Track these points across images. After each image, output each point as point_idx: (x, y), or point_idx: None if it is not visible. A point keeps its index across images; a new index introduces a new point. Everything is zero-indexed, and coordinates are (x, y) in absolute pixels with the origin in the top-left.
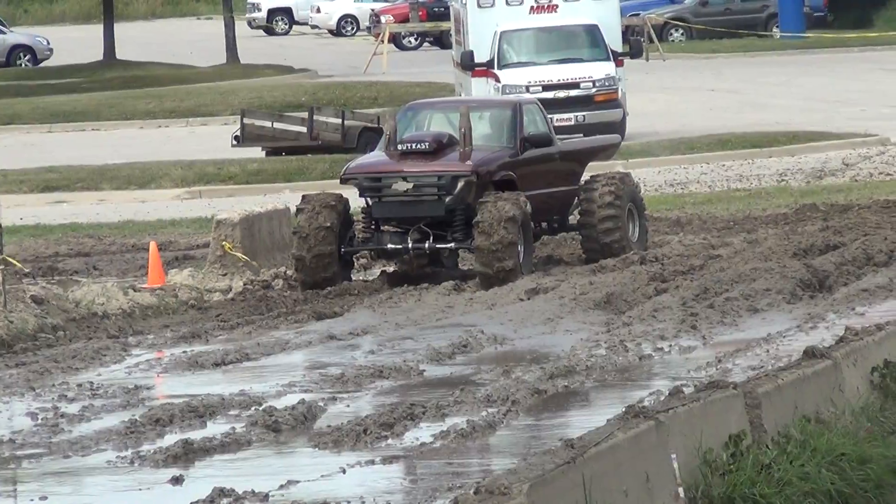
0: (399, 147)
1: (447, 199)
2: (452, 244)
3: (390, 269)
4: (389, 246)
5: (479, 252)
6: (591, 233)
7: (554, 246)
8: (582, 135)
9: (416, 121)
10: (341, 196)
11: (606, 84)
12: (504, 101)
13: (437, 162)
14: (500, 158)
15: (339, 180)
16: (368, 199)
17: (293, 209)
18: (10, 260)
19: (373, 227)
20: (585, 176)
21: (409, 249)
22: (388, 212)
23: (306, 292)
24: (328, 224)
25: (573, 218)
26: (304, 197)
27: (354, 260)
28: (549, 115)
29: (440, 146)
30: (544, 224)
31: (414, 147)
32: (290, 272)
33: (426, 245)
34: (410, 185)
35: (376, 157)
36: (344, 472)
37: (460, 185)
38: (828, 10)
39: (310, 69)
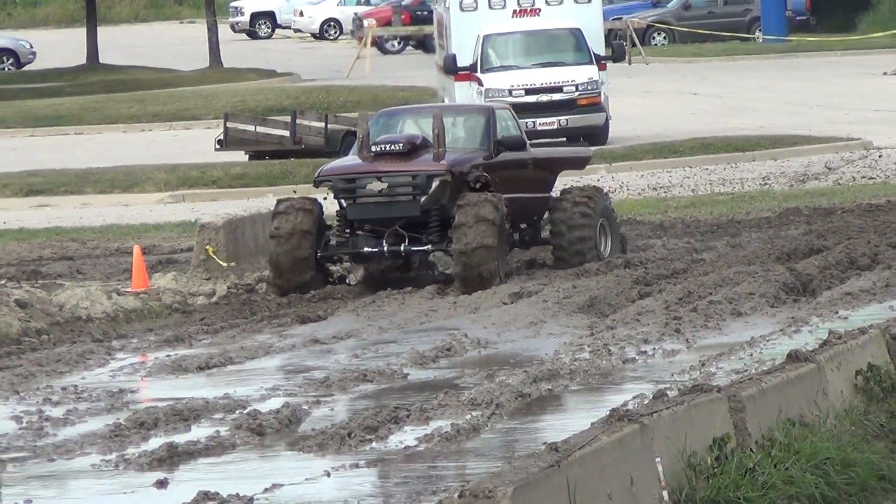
0: (373, 149)
1: (422, 199)
2: (429, 246)
3: (359, 274)
4: (365, 249)
5: (458, 254)
6: (563, 247)
7: (537, 249)
8: (565, 139)
9: (389, 126)
10: (315, 200)
11: (589, 88)
12: (477, 106)
13: (411, 162)
14: (475, 159)
15: (313, 183)
16: (343, 201)
17: None
18: None
19: (347, 231)
20: (559, 186)
21: (384, 252)
22: (362, 213)
23: (290, 296)
24: (306, 227)
25: (544, 232)
26: (279, 201)
27: (330, 266)
28: (532, 119)
29: (414, 147)
30: (516, 236)
31: (388, 148)
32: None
33: (402, 248)
34: (385, 185)
35: (350, 159)
36: (328, 475)
37: (435, 184)
38: (810, 14)
39: (293, 73)
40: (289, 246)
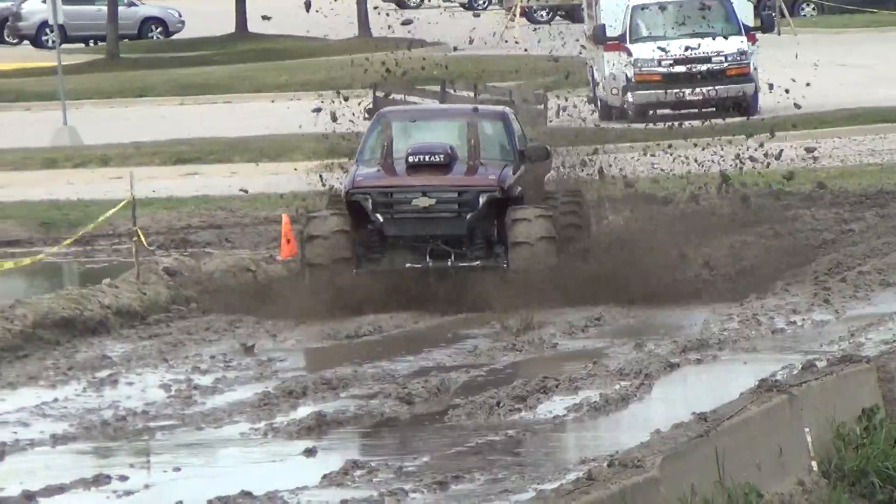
0: (409, 160)
1: (468, 216)
2: (478, 262)
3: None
4: (408, 265)
5: (519, 246)
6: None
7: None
8: (713, 110)
9: (404, 131)
10: (344, 209)
11: (738, 58)
12: (490, 111)
13: (455, 176)
14: (513, 172)
15: (344, 196)
16: (379, 216)
17: None
18: (140, 235)
19: (376, 244)
20: None
21: (429, 269)
22: (403, 229)
23: None
24: (346, 228)
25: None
26: (308, 209)
27: None
28: (681, 90)
29: (450, 158)
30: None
31: (426, 160)
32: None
33: (449, 263)
34: (433, 201)
35: (377, 170)
36: (476, 444)
37: (483, 200)
38: None
39: (442, 42)
40: (328, 246)
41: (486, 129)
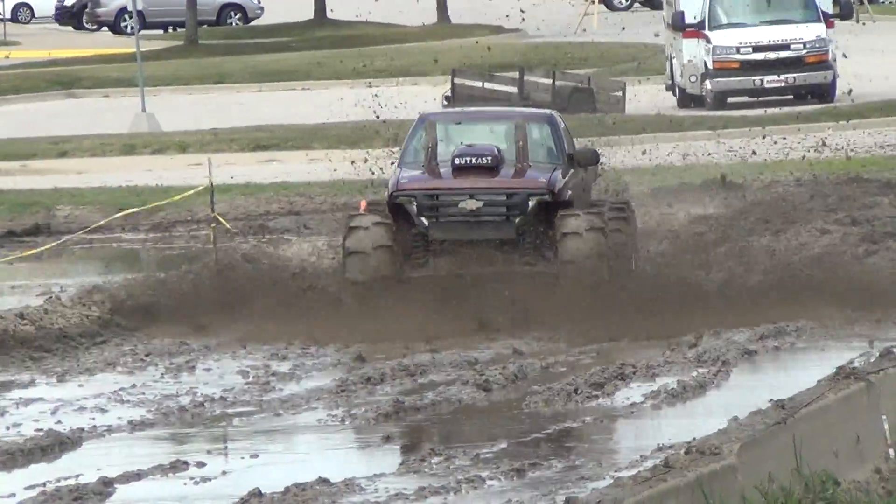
0: (456, 162)
1: (517, 220)
2: (526, 267)
3: None
4: (455, 272)
5: (569, 237)
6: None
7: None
8: (792, 97)
9: (447, 135)
10: (388, 214)
11: (817, 46)
12: (536, 113)
13: (504, 178)
14: (564, 175)
15: (387, 199)
16: (424, 219)
17: None
18: (220, 219)
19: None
20: None
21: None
22: (449, 233)
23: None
24: (388, 243)
25: None
26: (351, 216)
27: None
28: (760, 77)
29: (497, 161)
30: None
31: (473, 161)
32: None
33: (496, 269)
34: (481, 204)
35: (422, 172)
36: (554, 431)
37: (533, 203)
38: None
39: (520, 29)
40: (370, 263)
41: (532, 132)
